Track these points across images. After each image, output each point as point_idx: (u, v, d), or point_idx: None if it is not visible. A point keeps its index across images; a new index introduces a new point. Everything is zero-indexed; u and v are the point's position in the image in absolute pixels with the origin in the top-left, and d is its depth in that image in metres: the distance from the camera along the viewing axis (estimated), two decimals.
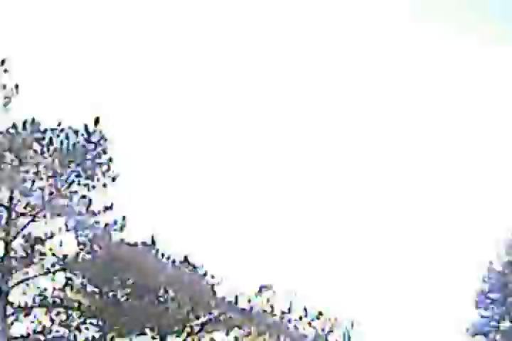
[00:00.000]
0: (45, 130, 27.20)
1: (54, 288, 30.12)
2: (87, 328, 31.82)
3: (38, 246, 28.66)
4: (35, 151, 26.87)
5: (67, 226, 28.57)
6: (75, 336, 31.60)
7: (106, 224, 29.30)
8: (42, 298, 29.99)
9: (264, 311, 43.04)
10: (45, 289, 29.98)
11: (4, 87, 25.29)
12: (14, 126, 26.28)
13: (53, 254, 29.08)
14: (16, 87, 25.43)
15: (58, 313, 31.01)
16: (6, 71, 25.37)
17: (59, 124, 27.47)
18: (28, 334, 30.42)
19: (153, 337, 35.18)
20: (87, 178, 28.20)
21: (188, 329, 36.88)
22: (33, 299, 29.85)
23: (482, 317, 54.15)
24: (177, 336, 36.74)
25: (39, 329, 30.62)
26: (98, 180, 28.44)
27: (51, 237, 28.76)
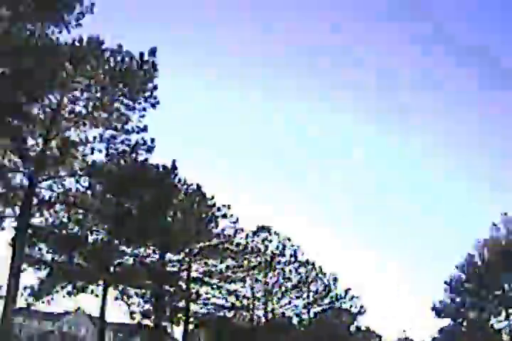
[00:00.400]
0: (106, 49, 28.05)
1: (77, 190, 31.60)
2: (98, 231, 34.72)
3: (71, 150, 29.91)
4: (92, 66, 27.92)
5: (101, 137, 29.96)
6: (86, 236, 34.32)
7: (136, 143, 30.38)
8: (65, 196, 31.59)
9: (258, 249, 46.03)
10: (70, 189, 31.45)
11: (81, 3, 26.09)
12: (80, 40, 27.19)
13: (83, 160, 30.39)
14: (92, 5, 26.22)
15: (76, 213, 33.11)
16: None
17: (119, 47, 28.35)
18: (46, 226, 32.35)
19: (154, 251, 38.05)
20: (130, 99, 29.29)
21: (187, 250, 39.88)
22: (57, 196, 31.54)
23: (453, 302, 57.35)
24: (176, 254, 39.64)
25: (56, 223, 32.68)
26: (140, 103, 29.42)
27: (85, 144, 30.01)
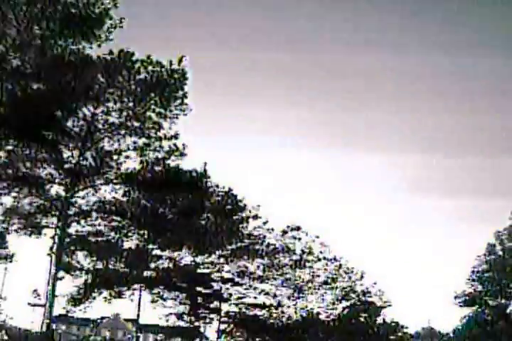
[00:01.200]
0: (136, 60, 27.91)
1: (113, 198, 32.04)
2: (134, 237, 34.82)
3: (106, 159, 30.20)
4: (124, 77, 27.81)
5: (135, 145, 30.15)
6: (122, 242, 34.63)
7: (168, 150, 30.65)
8: (101, 204, 32.04)
9: (288, 248, 46.27)
10: (105, 197, 31.87)
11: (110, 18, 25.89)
12: (111, 53, 27.13)
13: (118, 168, 30.63)
14: (121, 20, 25.94)
15: (112, 220, 33.43)
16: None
17: (148, 57, 28.20)
18: (83, 234, 33.21)
19: (188, 254, 38.35)
20: (161, 107, 29.19)
21: (219, 252, 40.11)
22: (93, 204, 31.97)
23: (475, 291, 58.25)
24: (209, 256, 39.90)
25: (93, 231, 33.34)
26: (171, 110, 29.37)
27: (119, 153, 30.23)
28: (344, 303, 52.75)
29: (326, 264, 49.14)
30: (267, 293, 45.91)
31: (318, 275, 48.93)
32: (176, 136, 30.49)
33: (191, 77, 29.45)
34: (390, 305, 56.16)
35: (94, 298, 34.95)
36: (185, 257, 38.53)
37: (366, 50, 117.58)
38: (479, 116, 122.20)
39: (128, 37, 29.51)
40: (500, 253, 55.93)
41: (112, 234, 34.22)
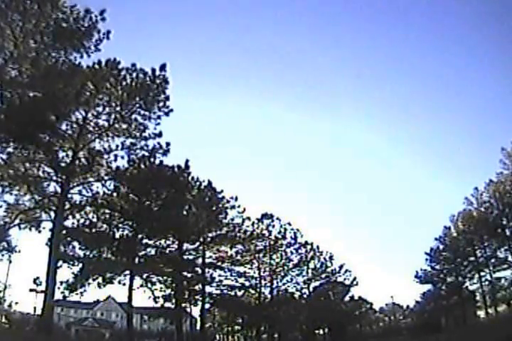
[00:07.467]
0: (122, 68, 28.96)
1: (104, 193, 32.99)
2: (124, 228, 35.64)
3: (97, 158, 31.19)
4: (111, 84, 28.85)
5: (123, 145, 31.04)
6: (113, 232, 35.26)
7: (153, 148, 31.41)
8: (93, 199, 32.86)
9: (263, 234, 47.41)
10: (97, 193, 32.75)
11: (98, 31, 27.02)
12: (99, 62, 28.21)
13: (108, 166, 31.80)
14: (108, 32, 27.14)
15: (104, 213, 34.45)
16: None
17: (133, 65, 29.27)
18: (78, 226, 33.78)
19: (173, 242, 39.24)
20: (146, 110, 30.17)
21: (201, 239, 41.09)
22: (86, 199, 32.80)
23: (433, 269, 60.15)
24: (192, 243, 40.84)
25: (87, 223, 34.06)
26: (154, 112, 30.33)
27: (109, 152, 31.19)
28: (315, 283, 54.21)
29: (298, 248, 50.46)
30: (245, 276, 47.08)
31: (291, 259, 50.31)
32: (159, 135, 31.34)
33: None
34: (356, 284, 57.52)
35: (89, 284, 35.30)
36: (171, 245, 39.32)
37: None
38: None
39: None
40: (455, 234, 57.71)
41: (104, 225, 34.98)
